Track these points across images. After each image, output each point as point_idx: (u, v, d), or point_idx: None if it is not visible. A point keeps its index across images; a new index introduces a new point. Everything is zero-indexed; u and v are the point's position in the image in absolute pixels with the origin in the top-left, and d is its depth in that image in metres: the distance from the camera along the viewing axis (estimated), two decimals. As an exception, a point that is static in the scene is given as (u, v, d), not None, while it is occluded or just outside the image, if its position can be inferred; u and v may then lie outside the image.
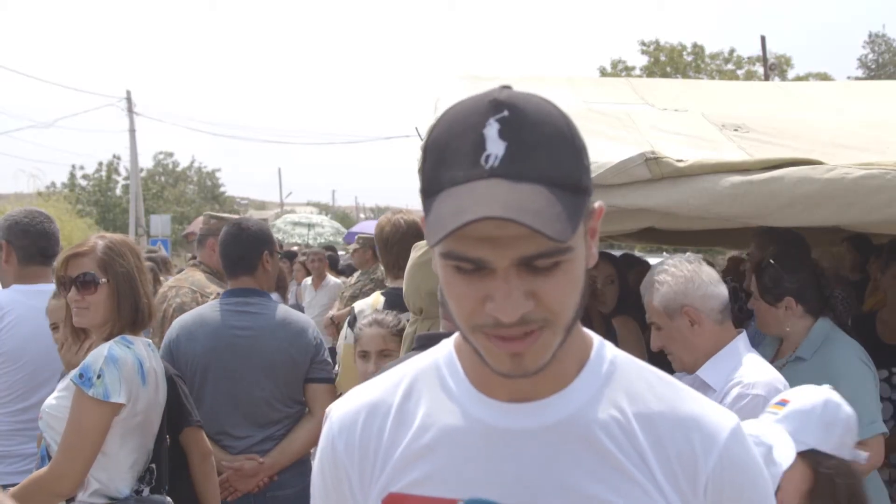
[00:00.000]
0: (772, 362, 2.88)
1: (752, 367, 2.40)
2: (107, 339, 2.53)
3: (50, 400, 2.56)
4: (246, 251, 3.36)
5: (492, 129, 0.93)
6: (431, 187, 0.96)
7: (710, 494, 1.03)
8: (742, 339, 2.47)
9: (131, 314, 2.56)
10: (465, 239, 0.93)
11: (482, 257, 0.93)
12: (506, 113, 0.94)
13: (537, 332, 0.96)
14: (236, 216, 4.83)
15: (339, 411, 1.17)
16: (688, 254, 2.56)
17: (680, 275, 2.40)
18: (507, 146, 0.93)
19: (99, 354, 2.42)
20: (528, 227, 0.88)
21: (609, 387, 1.06)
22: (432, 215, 0.94)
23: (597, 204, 1.05)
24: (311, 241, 17.64)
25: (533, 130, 0.94)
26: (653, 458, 1.03)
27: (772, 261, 2.90)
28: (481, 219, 0.88)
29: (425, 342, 2.44)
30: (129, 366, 2.45)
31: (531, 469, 1.02)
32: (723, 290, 2.45)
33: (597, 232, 1.05)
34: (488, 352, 0.99)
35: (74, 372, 2.42)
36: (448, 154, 0.96)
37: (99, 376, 2.36)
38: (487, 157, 0.93)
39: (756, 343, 3.40)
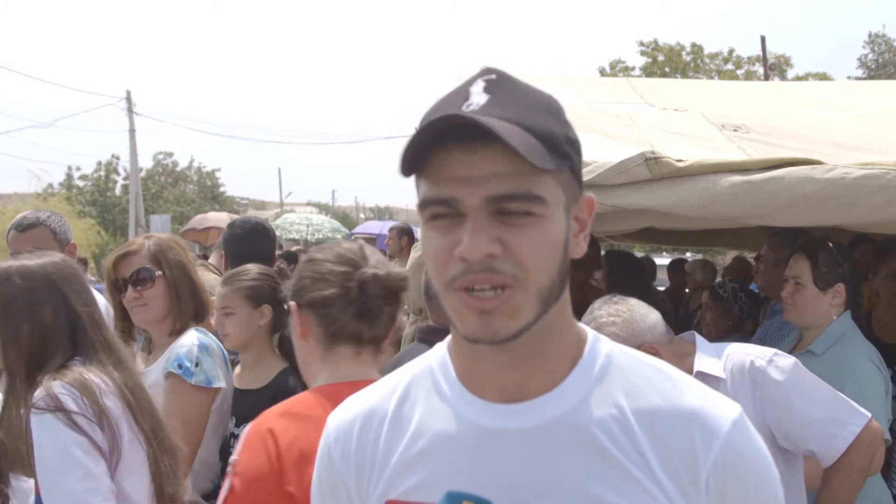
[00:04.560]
0: None
1: (738, 345, 2.35)
2: (171, 334, 2.51)
3: None
4: (270, 250, 3.36)
5: (478, 87, 0.98)
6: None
7: (712, 489, 1.00)
8: (699, 336, 2.39)
9: (192, 305, 2.56)
10: (438, 181, 0.95)
11: (453, 196, 0.94)
12: (493, 76, 0.99)
13: (508, 291, 0.95)
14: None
15: (335, 420, 1.17)
16: (604, 298, 2.37)
17: (620, 320, 2.27)
18: (489, 98, 0.97)
19: (190, 344, 2.42)
20: (495, 135, 0.90)
21: (604, 383, 1.04)
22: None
23: (587, 194, 1.05)
24: (308, 238, 17.65)
25: (516, 91, 0.99)
26: (652, 454, 1.00)
27: (830, 244, 2.85)
28: (450, 116, 0.92)
29: (426, 335, 2.46)
30: (217, 353, 2.47)
31: (525, 470, 1.01)
32: (657, 313, 2.35)
33: (585, 225, 1.05)
34: (459, 313, 0.98)
35: (166, 366, 2.41)
36: (436, 111, 0.98)
37: (197, 364, 2.38)
38: (469, 105, 0.96)
39: (776, 340, 3.39)
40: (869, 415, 2.23)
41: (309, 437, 1.59)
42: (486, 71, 1.00)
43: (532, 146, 0.92)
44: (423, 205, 0.98)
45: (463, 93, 0.98)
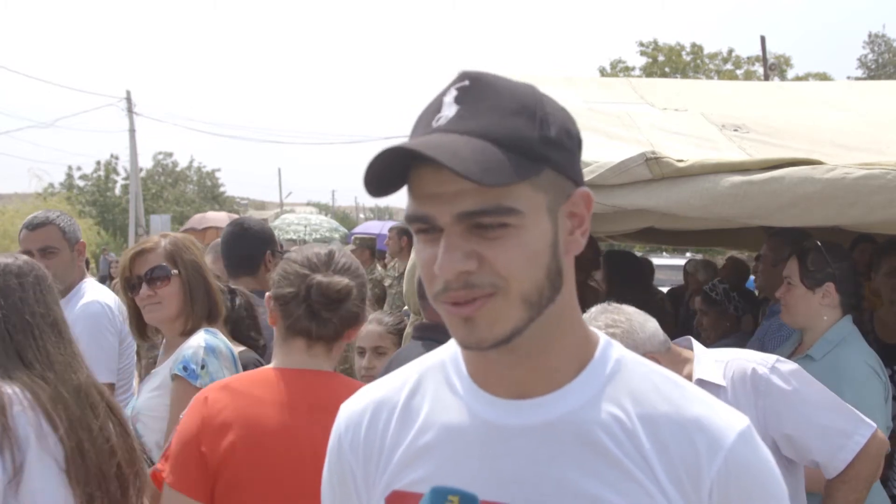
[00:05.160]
0: None
1: (736, 352, 2.30)
2: (183, 334, 2.50)
3: (139, 402, 2.51)
4: (250, 250, 3.35)
5: (449, 96, 0.98)
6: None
7: (715, 498, 1.00)
8: (695, 342, 2.32)
9: (205, 306, 2.55)
10: (415, 196, 0.96)
11: (427, 213, 0.95)
12: (466, 82, 0.98)
13: (487, 298, 0.95)
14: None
15: (346, 410, 1.18)
16: (599, 307, 2.29)
17: (620, 331, 2.19)
18: (458, 109, 0.96)
19: (196, 346, 2.40)
20: (436, 161, 0.89)
21: (612, 386, 1.04)
22: None
23: (582, 189, 1.03)
24: (306, 238, 17.66)
25: (488, 97, 0.97)
26: (656, 459, 1.01)
27: (819, 243, 2.82)
28: (392, 149, 0.92)
29: (421, 332, 2.48)
30: (225, 355, 2.45)
31: (528, 466, 1.02)
32: (653, 320, 2.27)
33: (583, 220, 1.03)
34: (448, 321, 0.99)
35: (173, 367, 2.40)
36: (415, 126, 1.00)
37: (203, 367, 2.36)
38: (438, 118, 0.97)
39: (775, 344, 3.38)
40: (875, 425, 2.20)
41: (235, 409, 1.85)
42: (461, 77, 0.99)
43: (491, 163, 0.91)
44: (406, 220, 1.00)
45: (436, 104, 0.98)
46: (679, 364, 2.24)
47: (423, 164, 0.93)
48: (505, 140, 0.94)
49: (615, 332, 2.20)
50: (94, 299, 3.37)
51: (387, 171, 0.95)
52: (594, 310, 2.29)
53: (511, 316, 0.96)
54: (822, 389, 2.20)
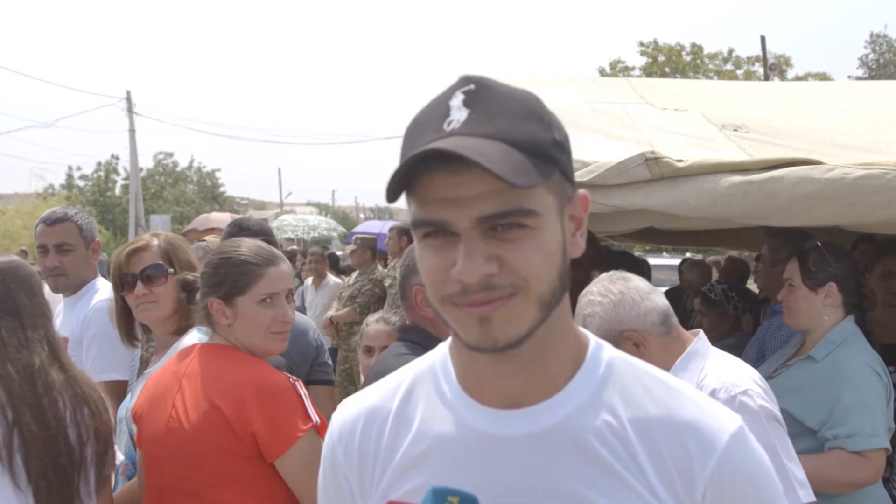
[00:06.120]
0: (786, 362, 2.84)
1: (722, 367, 2.17)
2: (175, 333, 2.50)
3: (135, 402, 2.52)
4: None
5: (457, 100, 0.96)
6: (401, 160, 0.96)
7: (709, 500, 1.00)
8: (701, 342, 2.24)
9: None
10: (426, 202, 0.94)
11: (443, 219, 0.93)
12: (472, 86, 0.97)
13: (507, 298, 0.94)
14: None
15: (339, 418, 1.17)
16: (610, 273, 2.27)
17: (607, 301, 2.18)
18: (469, 112, 0.95)
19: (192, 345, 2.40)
20: (475, 163, 0.88)
21: (604, 391, 1.04)
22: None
23: (580, 191, 1.04)
24: (304, 236, 17.74)
25: (496, 100, 0.96)
26: (648, 463, 1.00)
27: (819, 244, 2.80)
28: (426, 151, 0.90)
29: (404, 333, 2.48)
30: None
31: (523, 476, 1.01)
32: (659, 300, 2.21)
33: (582, 222, 1.04)
34: (459, 323, 0.98)
35: None
36: (418, 130, 0.98)
37: None
38: (450, 122, 0.95)
39: (776, 345, 3.36)
40: (806, 501, 2.01)
41: (152, 378, 2.21)
42: (464, 81, 0.98)
43: (517, 165, 0.91)
44: (414, 225, 0.98)
45: (442, 108, 0.96)
46: (667, 352, 2.17)
47: (436, 167, 0.92)
48: (522, 143, 0.93)
49: (603, 301, 2.18)
50: (109, 297, 3.36)
51: (403, 177, 0.94)
52: (603, 275, 2.25)
53: (527, 316, 0.96)
54: (772, 446, 1.99)
